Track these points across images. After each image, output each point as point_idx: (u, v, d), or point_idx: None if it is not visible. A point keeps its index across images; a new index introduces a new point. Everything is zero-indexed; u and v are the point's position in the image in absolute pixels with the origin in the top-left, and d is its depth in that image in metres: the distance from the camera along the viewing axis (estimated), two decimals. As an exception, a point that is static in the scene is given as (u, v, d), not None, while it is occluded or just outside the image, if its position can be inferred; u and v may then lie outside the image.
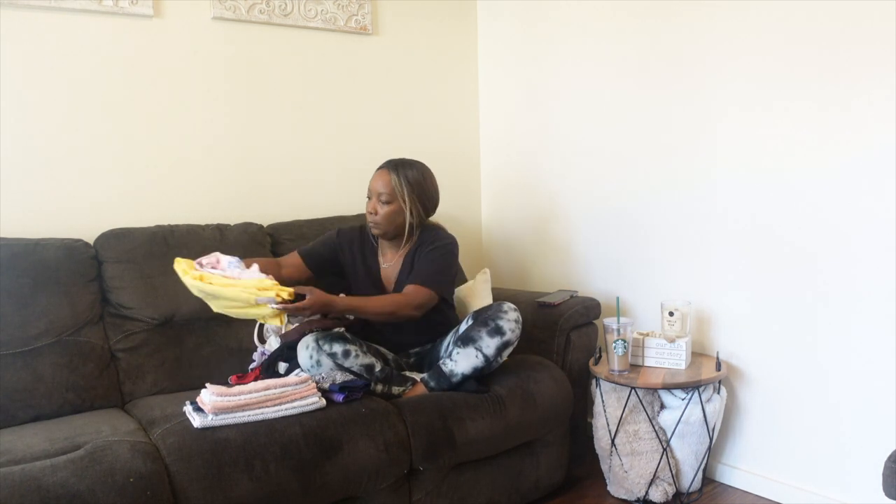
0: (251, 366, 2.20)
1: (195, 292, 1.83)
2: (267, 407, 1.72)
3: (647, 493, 2.21)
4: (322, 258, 2.25)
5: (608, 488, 2.32)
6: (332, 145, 2.79)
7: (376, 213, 2.14)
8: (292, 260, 2.22)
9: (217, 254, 1.91)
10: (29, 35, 2.15)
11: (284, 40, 2.64)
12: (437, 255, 2.14)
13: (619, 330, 2.19)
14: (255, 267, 1.87)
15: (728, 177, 2.29)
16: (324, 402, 1.80)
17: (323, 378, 1.91)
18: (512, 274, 3.07)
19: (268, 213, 2.58)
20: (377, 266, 2.24)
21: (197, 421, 1.66)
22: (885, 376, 1.98)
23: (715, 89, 2.29)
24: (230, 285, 1.77)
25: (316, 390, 1.80)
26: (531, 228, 2.99)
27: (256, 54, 2.58)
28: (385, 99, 2.91)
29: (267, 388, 1.73)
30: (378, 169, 2.18)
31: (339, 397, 1.84)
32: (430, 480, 1.96)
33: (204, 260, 1.88)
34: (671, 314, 2.24)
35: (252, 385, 1.73)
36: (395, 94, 2.94)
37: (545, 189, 2.91)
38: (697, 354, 2.38)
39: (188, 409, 1.74)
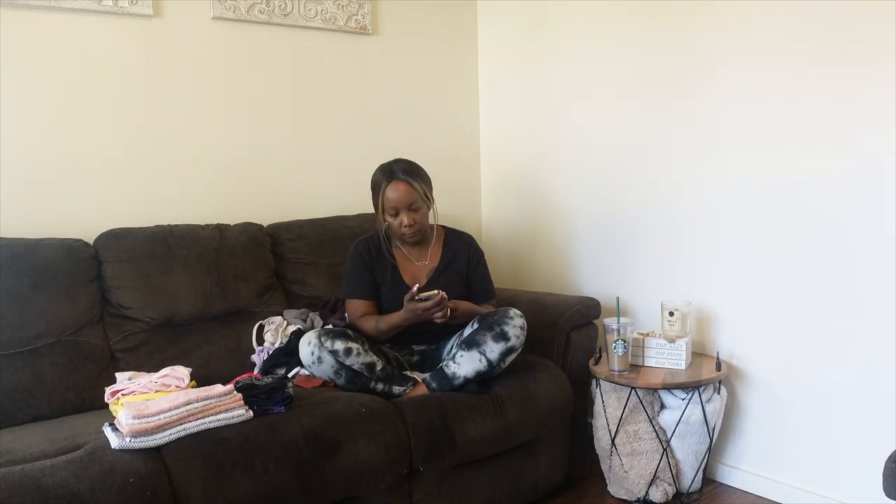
0: (255, 370, 2.18)
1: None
2: (189, 422, 1.62)
3: (647, 493, 2.21)
4: (371, 283, 2.23)
5: (608, 488, 2.32)
6: (332, 145, 2.79)
7: (414, 223, 2.15)
8: (367, 304, 2.21)
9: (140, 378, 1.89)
10: (29, 35, 2.15)
11: (284, 40, 2.64)
12: (484, 267, 2.34)
13: (619, 330, 2.18)
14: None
15: (728, 177, 2.29)
16: (251, 413, 1.71)
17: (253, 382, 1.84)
18: (512, 274, 3.07)
19: (268, 213, 2.57)
20: (395, 269, 2.24)
21: (114, 442, 1.57)
22: (884, 376, 1.98)
23: (715, 89, 2.29)
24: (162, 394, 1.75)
25: (242, 402, 1.71)
26: (531, 228, 2.99)
27: (256, 54, 2.58)
28: (385, 99, 2.91)
29: (188, 403, 1.63)
30: (391, 182, 2.14)
31: (281, 409, 1.77)
32: (430, 480, 1.96)
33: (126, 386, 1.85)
34: (671, 314, 2.24)
35: (173, 399, 1.63)
36: (395, 94, 2.94)
37: (545, 189, 2.91)
38: (697, 354, 2.38)
39: (106, 429, 1.63)
